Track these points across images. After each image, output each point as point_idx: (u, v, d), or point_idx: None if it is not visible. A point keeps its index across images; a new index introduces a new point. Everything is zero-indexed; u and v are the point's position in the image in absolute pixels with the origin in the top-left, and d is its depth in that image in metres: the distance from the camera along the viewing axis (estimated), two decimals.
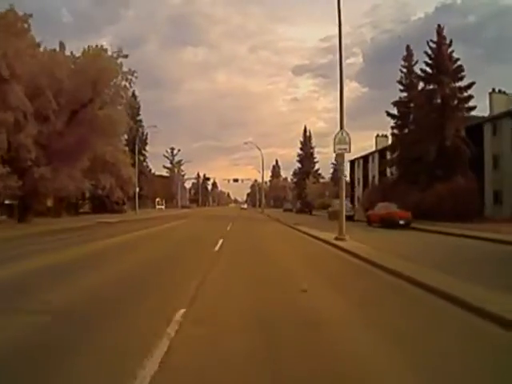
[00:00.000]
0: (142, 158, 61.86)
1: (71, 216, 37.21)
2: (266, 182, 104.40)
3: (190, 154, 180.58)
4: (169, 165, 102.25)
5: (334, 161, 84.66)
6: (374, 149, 60.55)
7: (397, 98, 33.92)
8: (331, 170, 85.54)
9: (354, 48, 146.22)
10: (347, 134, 13.61)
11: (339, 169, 13.92)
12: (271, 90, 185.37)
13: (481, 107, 51.28)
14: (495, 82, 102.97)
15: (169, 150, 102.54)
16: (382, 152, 53.95)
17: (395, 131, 33.60)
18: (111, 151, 35.26)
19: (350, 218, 31.62)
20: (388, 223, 21.89)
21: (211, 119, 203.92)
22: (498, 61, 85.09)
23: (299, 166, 75.65)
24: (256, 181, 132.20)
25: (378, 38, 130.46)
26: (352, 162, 65.99)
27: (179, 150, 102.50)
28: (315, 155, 75.99)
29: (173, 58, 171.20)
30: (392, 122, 33.57)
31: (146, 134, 62.75)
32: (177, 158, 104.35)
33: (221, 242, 12.92)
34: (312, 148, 75.76)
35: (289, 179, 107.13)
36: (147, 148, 65.02)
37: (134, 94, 62.93)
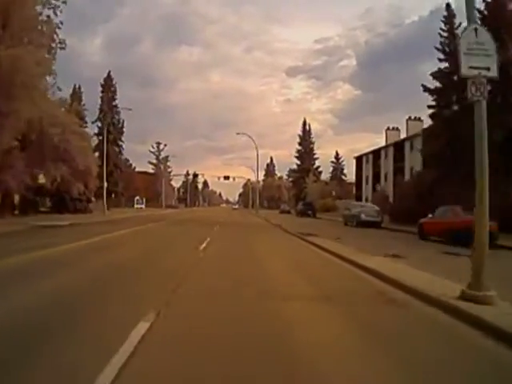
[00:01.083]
0: (117, 149, 53.42)
1: (16, 216, 28.90)
2: (259, 182, 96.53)
3: (183, 152, 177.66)
4: (154, 160, 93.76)
5: (333, 159, 77.14)
6: (380, 145, 53.17)
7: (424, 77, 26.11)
8: (330, 169, 78.23)
9: (348, 50, 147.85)
10: (489, 38, 5.62)
11: (477, 122, 5.34)
12: (264, 90, 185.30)
13: None
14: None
15: (155, 145, 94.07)
16: (397, 145, 46.28)
17: (434, 111, 25.73)
18: (60, 134, 26.92)
19: (375, 225, 23.80)
20: (461, 238, 13.97)
21: (204, 119, 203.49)
22: None
23: (298, 162, 67.54)
24: (249, 180, 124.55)
25: (372, 41, 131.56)
26: (358, 159, 58.28)
27: (165, 145, 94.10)
28: (315, 151, 68.03)
29: (167, 57, 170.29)
30: (430, 100, 25.74)
31: (123, 121, 54.30)
32: (164, 154, 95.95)
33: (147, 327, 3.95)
34: (312, 143, 67.89)
35: (284, 179, 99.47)
36: (123, 139, 56.07)
37: (109, 74, 54.70)
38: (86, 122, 42.05)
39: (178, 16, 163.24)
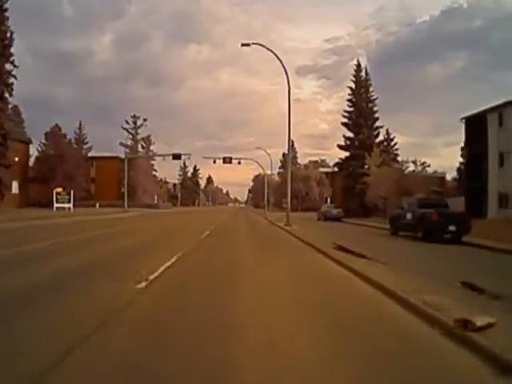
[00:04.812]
0: None
1: None
2: (272, 174, 69.50)
3: (191, 151, 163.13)
4: (130, 142, 66.91)
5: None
6: None
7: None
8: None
9: (359, 49, 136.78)
10: None
11: None
12: (274, 90, 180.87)
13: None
14: (499, 87, 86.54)
15: (130, 121, 67.16)
16: None
17: None
18: None
19: None
20: None
21: (213, 118, 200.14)
22: (503, 66, 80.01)
23: (349, 134, 39.40)
24: (260, 174, 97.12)
25: (383, 41, 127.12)
26: (473, 121, 30.82)
27: (145, 120, 67.26)
28: (377, 114, 39.61)
29: (176, 56, 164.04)
30: None
31: (10, 35, 27.07)
32: (144, 134, 69.11)
33: None
34: (371, 101, 39.77)
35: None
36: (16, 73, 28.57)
37: None
38: None
39: (187, 14, 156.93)
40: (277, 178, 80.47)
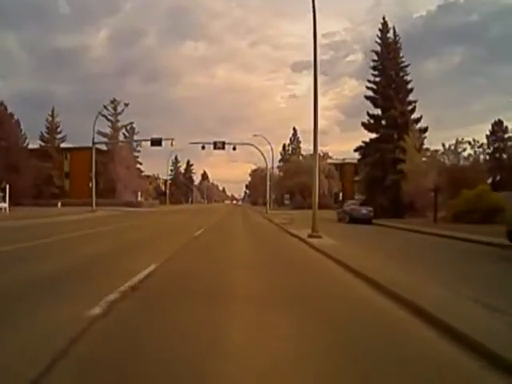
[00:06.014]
0: None
1: None
2: (272, 168, 60.66)
3: (187, 148, 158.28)
4: (108, 130, 57.84)
5: None
6: None
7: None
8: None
9: (355, 45, 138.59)
10: None
11: None
12: (270, 86, 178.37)
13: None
14: (495, 82, 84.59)
15: (110, 107, 57.95)
16: None
17: None
18: None
19: None
20: None
21: (209, 114, 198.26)
22: (500, 60, 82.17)
23: (376, 112, 30.62)
24: (258, 168, 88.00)
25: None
26: None
27: (127, 105, 58.23)
28: (410, 84, 30.89)
29: (172, 52, 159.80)
30: None
31: None
32: (126, 120, 60.15)
33: None
34: (402, 69, 30.98)
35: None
36: None
37: None
38: None
39: (183, 9, 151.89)
40: (276, 172, 72.10)
